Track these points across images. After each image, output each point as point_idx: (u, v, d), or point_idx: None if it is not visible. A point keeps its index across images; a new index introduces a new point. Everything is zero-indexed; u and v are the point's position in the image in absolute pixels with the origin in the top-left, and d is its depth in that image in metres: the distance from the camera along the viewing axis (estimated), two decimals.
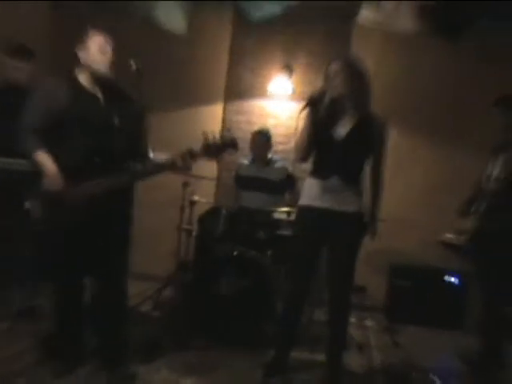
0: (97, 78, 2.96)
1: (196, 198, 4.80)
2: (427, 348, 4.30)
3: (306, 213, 3.36)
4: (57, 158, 2.91)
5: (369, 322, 4.86)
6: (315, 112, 3.19)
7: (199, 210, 4.79)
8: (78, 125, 2.88)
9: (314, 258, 3.35)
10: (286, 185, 4.76)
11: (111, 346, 3.10)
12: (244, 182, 4.84)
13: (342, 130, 3.27)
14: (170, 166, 2.91)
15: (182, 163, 2.88)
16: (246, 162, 4.97)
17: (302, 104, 3.24)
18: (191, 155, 2.89)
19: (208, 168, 5.31)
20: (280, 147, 5.60)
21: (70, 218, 2.88)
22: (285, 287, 3.51)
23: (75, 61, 3.00)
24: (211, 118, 5.68)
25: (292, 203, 4.44)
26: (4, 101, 3.84)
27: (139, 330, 3.87)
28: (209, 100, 5.72)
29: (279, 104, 5.65)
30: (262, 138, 4.77)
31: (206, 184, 5.32)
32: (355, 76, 3.20)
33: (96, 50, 2.94)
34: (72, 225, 2.89)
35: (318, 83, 5.29)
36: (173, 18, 5.53)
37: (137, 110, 3.03)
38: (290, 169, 4.86)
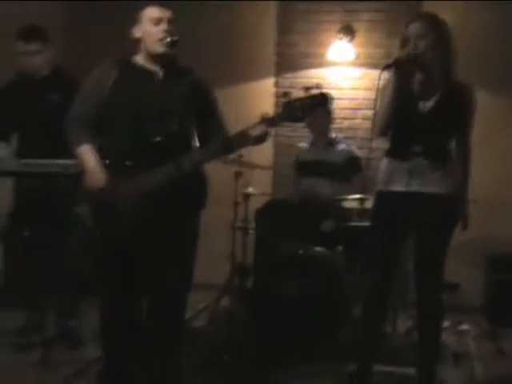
0: (154, 56, 2.93)
1: (251, 189, 4.74)
2: None
3: (387, 199, 3.26)
4: (108, 151, 2.88)
5: (466, 327, 4.68)
6: (400, 77, 3.12)
7: (255, 204, 4.70)
8: (130, 110, 2.85)
9: (396, 251, 3.26)
10: (352, 169, 4.67)
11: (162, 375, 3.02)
12: (304, 168, 4.78)
13: (428, 101, 3.19)
14: (241, 141, 2.76)
15: (258, 133, 2.72)
16: (304, 144, 4.90)
17: (383, 66, 3.13)
18: (269, 121, 2.75)
19: (262, 155, 5.25)
20: (345, 123, 5.48)
21: (123, 222, 2.81)
22: (362, 289, 3.42)
23: (134, 45, 2.99)
24: (261, 95, 5.63)
25: (360, 190, 4.37)
26: (22, 93, 3.86)
27: (194, 350, 3.78)
28: (257, 74, 5.67)
29: (340, 72, 5.54)
30: (322, 112, 4.64)
31: (260, 174, 5.26)
32: (442, 39, 3.13)
33: (148, 23, 2.91)
34: (125, 230, 2.82)
35: (386, 45, 5.39)
36: None
37: (200, 84, 2.98)
38: (356, 150, 4.76)
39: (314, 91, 2.77)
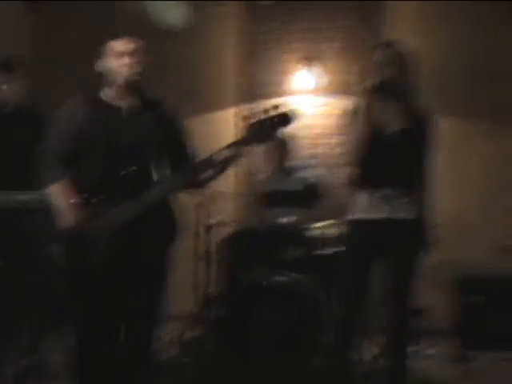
0: (120, 88, 3.00)
1: (213, 221, 4.83)
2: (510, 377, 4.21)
3: (356, 226, 3.37)
4: (79, 185, 2.94)
5: (433, 351, 4.76)
6: (376, 104, 3.21)
7: (219, 235, 4.79)
8: (99, 145, 2.92)
9: (365, 277, 3.33)
10: (310, 195, 4.77)
11: None
12: (266, 198, 4.88)
13: (393, 129, 3.28)
14: (205, 167, 2.85)
15: (224, 157, 2.81)
16: (264, 174, 5.01)
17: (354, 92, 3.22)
18: (233, 144, 2.82)
19: (226, 184, 5.32)
20: (305, 151, 5.62)
21: (96, 257, 2.86)
22: (331, 315, 3.49)
23: (100, 80, 3.06)
24: (221, 126, 5.76)
25: (319, 218, 4.46)
26: None
27: (168, 381, 3.83)
28: (217, 105, 5.81)
29: (301, 101, 5.68)
30: (276, 144, 4.79)
31: (224, 203, 5.32)
32: (407, 67, 3.24)
33: (113, 56, 2.98)
34: (99, 263, 2.87)
35: (347, 73, 5.53)
36: (168, 14, 5.63)
37: (168, 115, 3.04)
38: (316, 178, 4.85)
39: (273, 112, 2.77)
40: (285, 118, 2.78)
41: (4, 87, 3.89)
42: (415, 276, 3.27)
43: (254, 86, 5.80)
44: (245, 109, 5.76)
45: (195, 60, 5.86)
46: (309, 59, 5.64)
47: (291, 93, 5.69)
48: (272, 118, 2.77)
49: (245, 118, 2.83)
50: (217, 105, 5.84)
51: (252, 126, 2.79)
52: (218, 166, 2.88)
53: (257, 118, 2.78)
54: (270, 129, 2.77)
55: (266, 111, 2.79)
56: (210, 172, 2.94)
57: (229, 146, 2.83)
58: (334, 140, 5.59)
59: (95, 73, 3.05)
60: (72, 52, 5.81)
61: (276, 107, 2.77)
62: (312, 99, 5.68)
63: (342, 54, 5.66)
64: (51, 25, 5.96)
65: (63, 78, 5.68)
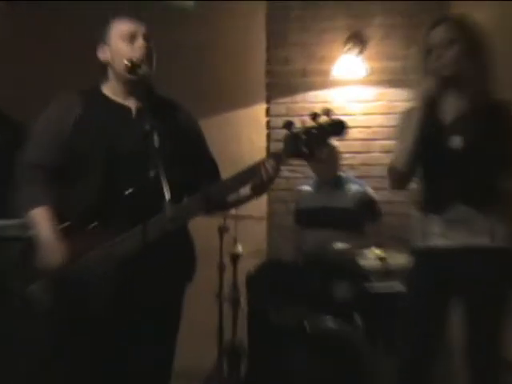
0: (127, 84, 2.97)
1: (240, 248, 4.79)
2: None
3: (424, 256, 3.29)
4: (69, 209, 2.91)
5: None
6: (426, 108, 3.16)
7: (246, 267, 4.74)
8: (98, 155, 2.88)
9: (438, 321, 3.27)
10: (367, 215, 4.76)
11: None
12: (307, 217, 4.86)
13: (462, 132, 3.19)
14: (233, 189, 2.86)
15: (265, 172, 2.79)
16: (306, 188, 4.99)
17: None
18: (275, 158, 2.82)
19: (253, 203, 5.31)
20: (357, 158, 5.58)
21: (90, 301, 2.82)
22: (385, 368, 3.46)
23: (100, 71, 3.02)
24: (250, 125, 5.77)
25: (379, 242, 4.44)
26: None
27: None
28: (242, 101, 5.80)
29: (349, 94, 5.64)
30: (327, 147, 4.73)
31: (252, 227, 5.31)
32: (474, 47, 3.16)
33: (118, 40, 2.94)
34: (93, 309, 2.83)
35: (405, 57, 5.49)
36: None
37: (186, 119, 3.04)
38: (372, 192, 4.84)
39: (324, 119, 2.78)
40: (337, 127, 2.77)
41: None
42: (506, 319, 3.17)
43: (288, 76, 5.77)
44: (277, 106, 5.74)
45: (213, 46, 5.86)
46: (357, 39, 5.59)
47: (335, 83, 5.67)
48: (322, 126, 2.76)
49: (286, 124, 2.80)
50: (241, 101, 5.83)
51: (291, 137, 2.78)
52: (251, 186, 2.86)
53: (302, 126, 2.77)
54: (319, 140, 2.77)
55: (313, 117, 2.77)
56: (240, 193, 2.93)
57: (261, 162, 2.81)
58: (392, 143, 5.53)
59: (96, 62, 3.00)
60: (53, 48, 5.83)
61: (327, 112, 2.75)
62: (361, 91, 5.65)
63: (399, 32, 5.60)
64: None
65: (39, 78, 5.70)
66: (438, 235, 3.25)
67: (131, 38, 2.92)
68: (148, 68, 2.91)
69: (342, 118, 2.78)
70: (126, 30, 2.93)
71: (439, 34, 3.17)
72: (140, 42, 2.91)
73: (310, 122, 2.77)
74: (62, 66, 5.62)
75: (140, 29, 2.94)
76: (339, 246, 4.57)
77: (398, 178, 3.27)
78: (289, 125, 2.80)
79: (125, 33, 2.93)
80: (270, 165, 2.80)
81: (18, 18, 5.81)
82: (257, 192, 2.92)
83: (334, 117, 2.77)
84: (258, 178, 2.81)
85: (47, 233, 2.86)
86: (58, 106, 2.97)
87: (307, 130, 2.76)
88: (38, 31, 5.89)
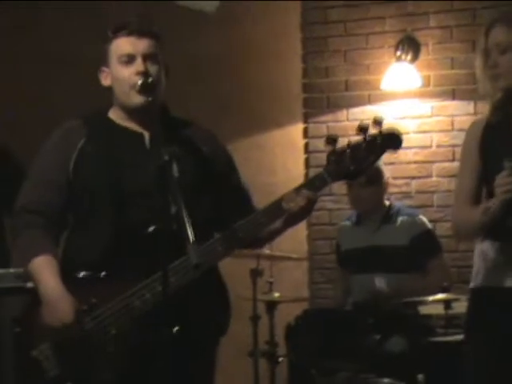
0: (132, 110, 3.01)
1: (277, 294, 4.81)
2: None
3: (488, 300, 3.25)
4: (74, 257, 2.94)
5: None
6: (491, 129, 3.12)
7: (285, 317, 4.76)
8: (109, 190, 2.92)
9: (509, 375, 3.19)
10: (425, 253, 4.75)
11: None
12: (351, 259, 4.89)
13: None
14: (271, 220, 2.87)
15: (297, 205, 2.81)
16: (347, 223, 5.02)
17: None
18: (311, 184, 2.86)
19: (291, 241, 5.31)
20: (413, 185, 5.57)
21: (105, 366, 2.85)
22: None
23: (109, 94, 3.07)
24: (285, 149, 5.79)
25: (442, 284, 4.38)
26: None
27: None
28: (276, 119, 5.82)
29: (401, 108, 5.65)
30: (366, 179, 4.68)
31: (290, 269, 5.32)
32: None
33: (117, 63, 2.97)
34: (108, 376, 2.86)
35: (469, 63, 5.45)
36: None
37: (210, 143, 3.07)
38: (428, 223, 4.83)
39: (374, 131, 2.78)
40: (391, 140, 2.79)
41: None
42: None
43: (329, 90, 5.80)
44: (317, 125, 5.77)
45: (239, 55, 5.91)
46: (410, 44, 5.59)
47: (384, 97, 5.68)
48: (372, 139, 2.77)
49: (330, 139, 2.82)
50: (274, 120, 5.86)
51: (334, 154, 2.79)
52: (287, 216, 2.87)
53: (348, 141, 2.78)
54: (369, 156, 2.79)
55: (361, 129, 2.78)
56: (275, 225, 2.93)
57: (302, 187, 2.84)
58: (457, 166, 5.51)
59: (100, 85, 3.05)
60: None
61: (378, 122, 2.75)
62: (417, 105, 5.64)
63: (459, 34, 5.61)
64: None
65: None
66: (503, 272, 3.20)
67: (130, 59, 2.95)
68: (149, 97, 2.92)
69: (397, 129, 2.79)
70: (122, 51, 2.96)
71: (497, 35, 3.16)
72: (138, 64, 2.93)
73: (356, 137, 2.79)
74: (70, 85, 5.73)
75: (139, 47, 2.96)
76: (393, 291, 4.59)
77: (464, 238, 3.28)
78: (332, 140, 2.81)
79: (122, 54, 2.96)
80: (310, 196, 2.82)
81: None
82: (289, 224, 2.94)
83: (387, 129, 2.78)
84: (291, 209, 2.83)
85: (51, 285, 2.88)
86: (59, 138, 3.02)
87: (354, 145, 2.78)
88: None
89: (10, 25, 5.96)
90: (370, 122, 2.77)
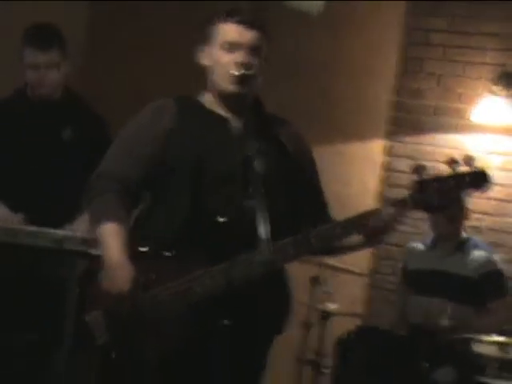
0: (225, 96, 3.01)
1: (333, 306, 4.80)
2: None
3: None
4: (145, 232, 2.97)
5: None
6: None
7: (337, 329, 4.75)
8: (191, 172, 2.93)
9: None
10: (491, 289, 4.72)
11: None
12: (416, 280, 4.87)
13: None
14: (348, 233, 2.86)
15: (383, 220, 2.80)
16: (419, 246, 5.00)
17: None
18: (397, 206, 2.83)
19: (355, 256, 5.30)
20: (488, 220, 5.52)
21: (157, 345, 2.86)
22: None
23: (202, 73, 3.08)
24: (364, 162, 5.80)
25: (502, 324, 4.38)
26: (24, 123, 4.09)
27: None
28: (362, 133, 5.83)
29: (488, 142, 5.60)
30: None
31: (349, 283, 5.30)
32: None
33: (219, 47, 2.97)
34: (160, 356, 2.86)
35: None
36: None
37: (298, 143, 3.06)
38: (499, 262, 4.81)
39: (463, 168, 2.75)
40: (479, 179, 2.76)
41: (52, 69, 4.04)
42: None
43: (417, 112, 5.78)
44: (400, 145, 5.76)
45: (333, 61, 5.92)
46: (508, 79, 5.54)
47: (473, 128, 5.63)
48: (460, 175, 2.75)
49: (417, 168, 2.80)
50: (358, 133, 5.87)
51: (421, 184, 2.78)
52: (365, 233, 2.86)
53: (436, 173, 2.77)
54: (453, 192, 2.77)
55: (450, 163, 2.76)
56: (350, 240, 2.92)
57: (384, 208, 2.84)
58: None
59: (195, 66, 3.04)
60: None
61: (469, 160, 2.73)
62: (504, 141, 5.60)
63: None
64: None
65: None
66: None
67: (234, 47, 2.94)
68: (245, 88, 2.92)
69: (486, 170, 2.75)
70: (228, 37, 2.95)
71: None
72: (241, 55, 2.92)
73: (444, 170, 2.76)
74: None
75: (247, 38, 2.95)
76: (453, 322, 4.53)
77: None
78: (419, 169, 2.79)
79: (227, 40, 2.95)
80: (389, 213, 2.81)
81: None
82: (369, 243, 2.94)
83: (478, 167, 2.74)
84: (373, 227, 2.81)
85: (116, 252, 2.88)
86: (150, 114, 3.03)
87: (442, 178, 2.76)
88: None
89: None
90: (461, 157, 2.75)
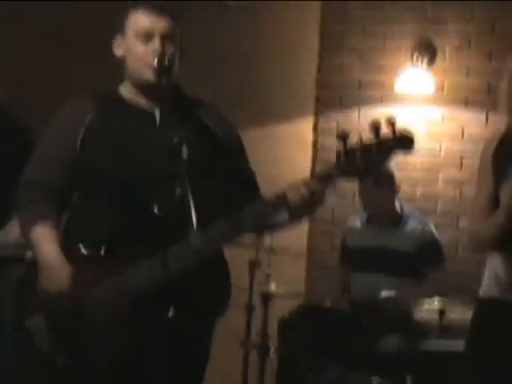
0: (144, 86, 2.98)
1: (273, 287, 4.81)
2: None
3: (494, 311, 3.24)
4: (77, 233, 2.94)
5: None
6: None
7: (280, 311, 4.77)
8: (116, 168, 2.90)
9: None
10: (429, 259, 4.78)
11: None
12: (355, 257, 4.92)
13: None
14: (274, 212, 2.83)
15: (302, 198, 2.77)
16: (357, 222, 5.05)
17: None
18: (319, 178, 2.81)
19: (291, 235, 5.32)
20: (419, 189, 5.58)
21: (100, 344, 2.85)
22: None
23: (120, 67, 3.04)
24: (294, 142, 5.81)
25: (441, 292, 4.43)
26: None
27: None
28: (287, 112, 5.83)
29: (413, 112, 5.65)
30: (378, 178, 4.78)
31: (288, 263, 5.33)
32: None
33: (133, 38, 2.94)
34: (105, 352, 2.85)
35: (485, 72, 5.45)
36: None
37: (221, 125, 3.04)
38: (435, 231, 4.86)
39: (387, 131, 2.71)
40: (403, 143, 2.72)
41: None
42: None
43: (343, 88, 5.81)
44: (328, 122, 5.77)
45: (255, 47, 5.91)
46: (426, 49, 5.60)
47: (397, 99, 5.68)
48: (385, 138, 2.72)
49: (342, 135, 2.76)
50: (285, 113, 5.87)
51: (351, 149, 2.74)
52: (291, 208, 2.82)
53: (360, 140, 2.72)
54: (380, 156, 2.74)
55: (374, 127, 2.72)
56: (281, 216, 2.90)
57: (313, 180, 2.81)
58: (464, 175, 5.51)
59: (111, 58, 3.01)
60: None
61: (391, 122, 2.69)
62: (428, 111, 5.65)
63: (477, 42, 5.60)
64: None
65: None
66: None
67: (147, 36, 2.92)
68: (163, 77, 2.89)
69: (410, 131, 2.72)
70: (141, 27, 2.93)
71: None
72: (156, 44, 2.91)
73: (368, 135, 2.72)
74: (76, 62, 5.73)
75: (159, 25, 2.93)
76: (392, 294, 4.60)
77: (479, 249, 3.28)
78: (343, 136, 2.75)
79: (139, 29, 2.93)
80: (314, 186, 2.78)
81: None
82: (295, 219, 2.92)
83: (400, 130, 2.70)
84: (298, 202, 2.78)
85: (51, 252, 2.87)
86: (68, 114, 3.01)
87: (366, 143, 2.73)
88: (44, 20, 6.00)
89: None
90: (384, 120, 2.74)
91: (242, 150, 3.11)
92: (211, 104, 3.10)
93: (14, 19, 5.92)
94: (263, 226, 3.02)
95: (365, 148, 2.72)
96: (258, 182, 3.11)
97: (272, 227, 3.06)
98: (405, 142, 2.72)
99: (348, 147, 2.74)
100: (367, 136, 2.72)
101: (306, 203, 2.79)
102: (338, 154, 2.76)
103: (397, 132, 2.70)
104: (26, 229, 2.94)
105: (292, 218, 2.92)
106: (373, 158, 2.74)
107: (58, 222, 2.95)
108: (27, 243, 2.95)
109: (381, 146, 2.73)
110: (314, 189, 2.78)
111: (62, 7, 5.88)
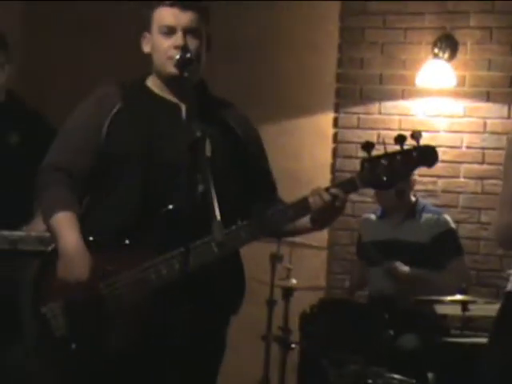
0: (168, 81, 3.00)
1: (294, 281, 4.81)
2: None
3: None
4: (97, 222, 2.95)
5: None
6: None
7: (301, 304, 4.78)
8: (140, 159, 2.92)
9: None
10: (447, 251, 4.76)
11: None
12: (371, 251, 4.90)
13: None
14: (297, 216, 2.85)
15: (324, 204, 2.77)
16: (372, 217, 5.04)
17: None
18: (342, 186, 2.82)
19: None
20: (439, 183, 5.56)
21: (116, 333, 2.86)
22: None
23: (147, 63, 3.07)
24: (314, 136, 5.78)
25: (462, 285, 4.37)
26: None
27: None
28: (310, 107, 5.81)
29: (434, 106, 5.63)
30: None
31: (309, 257, 5.33)
32: None
33: (157, 33, 2.98)
34: (119, 345, 2.86)
35: (508, 65, 5.44)
36: None
37: (246, 126, 3.06)
38: (452, 223, 4.85)
39: (411, 144, 2.74)
40: (427, 156, 2.75)
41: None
42: None
43: (364, 82, 5.80)
44: (348, 116, 5.77)
45: (275, 40, 5.90)
46: (448, 42, 5.57)
47: (418, 93, 5.66)
48: (409, 152, 2.75)
49: (367, 145, 2.79)
50: (305, 108, 5.86)
51: (369, 162, 2.77)
52: (313, 213, 2.83)
53: (385, 150, 2.76)
54: (403, 170, 2.77)
55: (399, 139, 2.75)
56: (302, 222, 2.91)
57: (333, 187, 2.82)
58: (486, 169, 5.49)
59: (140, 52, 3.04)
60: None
61: (416, 136, 2.73)
62: (450, 104, 5.62)
63: (499, 35, 5.57)
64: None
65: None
66: None
67: (171, 31, 2.94)
68: (185, 71, 2.90)
69: (434, 146, 2.76)
70: (163, 22, 2.96)
71: None
72: (178, 38, 2.92)
73: (393, 146, 2.76)
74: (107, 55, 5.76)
75: (182, 20, 2.95)
76: (410, 286, 4.60)
77: (506, 244, 3.20)
78: (367, 146, 2.79)
79: (163, 24, 2.95)
80: (336, 193, 2.78)
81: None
82: (318, 226, 2.92)
83: (424, 145, 2.74)
84: (319, 208, 2.79)
85: (71, 240, 2.86)
86: (94, 101, 3.01)
87: (390, 156, 2.76)
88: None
89: None
90: (410, 133, 2.74)
91: (263, 151, 3.12)
92: (235, 105, 3.10)
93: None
94: (284, 231, 3.02)
95: (389, 161, 2.75)
96: (275, 184, 3.11)
97: (292, 232, 3.08)
98: (429, 157, 2.76)
99: (372, 159, 2.77)
100: (391, 147, 2.75)
101: (327, 210, 2.81)
102: (362, 163, 2.80)
103: (421, 146, 2.74)
104: (46, 215, 2.93)
105: (313, 224, 2.92)
106: (396, 171, 2.77)
107: (78, 207, 2.95)
108: (47, 228, 2.95)
109: (405, 159, 2.76)
110: (336, 195, 2.78)
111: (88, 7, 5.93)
